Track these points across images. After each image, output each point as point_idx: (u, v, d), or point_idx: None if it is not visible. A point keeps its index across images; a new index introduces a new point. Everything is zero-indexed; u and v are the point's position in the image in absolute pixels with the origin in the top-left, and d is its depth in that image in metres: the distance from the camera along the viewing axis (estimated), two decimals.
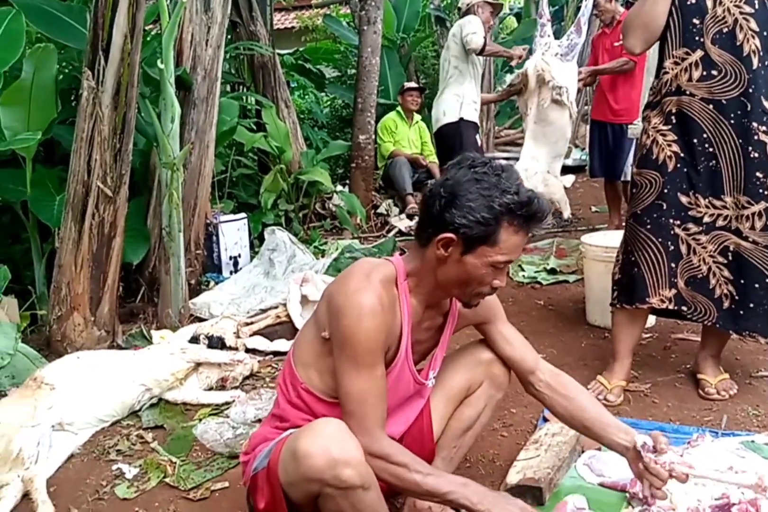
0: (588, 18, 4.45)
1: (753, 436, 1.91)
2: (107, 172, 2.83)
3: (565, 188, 5.65)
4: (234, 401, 2.37)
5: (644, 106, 2.29)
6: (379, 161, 5.64)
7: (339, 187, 5.30)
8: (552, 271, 3.84)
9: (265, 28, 5.08)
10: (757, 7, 2.02)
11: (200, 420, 2.31)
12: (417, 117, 5.71)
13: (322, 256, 4.05)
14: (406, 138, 5.62)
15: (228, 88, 5.50)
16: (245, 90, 5.33)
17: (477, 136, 4.63)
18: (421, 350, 1.63)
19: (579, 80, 4.32)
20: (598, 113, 4.50)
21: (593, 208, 5.36)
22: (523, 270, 3.92)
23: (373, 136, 5.42)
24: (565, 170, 6.35)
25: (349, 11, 8.26)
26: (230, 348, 2.72)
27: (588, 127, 7.64)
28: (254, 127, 5.03)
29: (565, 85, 4.13)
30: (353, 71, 6.86)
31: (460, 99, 4.49)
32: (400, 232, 4.91)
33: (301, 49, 8.12)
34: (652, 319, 2.92)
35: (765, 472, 1.64)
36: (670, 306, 2.20)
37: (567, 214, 4.77)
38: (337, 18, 8.62)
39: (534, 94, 4.21)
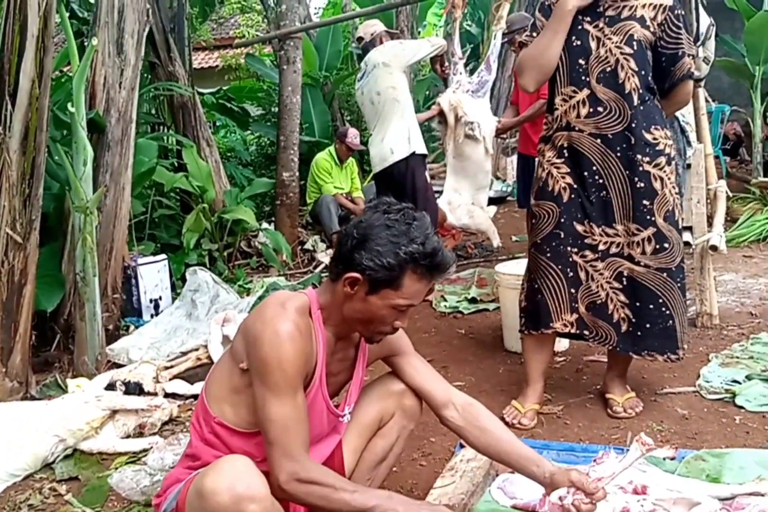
0: (498, 56, 4.66)
1: (654, 451, 1.99)
2: (16, 218, 2.78)
3: None
4: (152, 447, 2.32)
5: (539, 140, 2.42)
6: (310, 198, 5.69)
7: (265, 225, 5.32)
8: (473, 301, 3.93)
9: (184, 68, 5.11)
10: (635, 48, 2.18)
11: (116, 468, 2.25)
12: (350, 159, 5.77)
13: (247, 295, 4.04)
14: (338, 180, 5.66)
15: (148, 129, 5.48)
16: (165, 130, 5.32)
17: (427, 173, 4.38)
18: (335, 382, 1.66)
19: (501, 131, 4.49)
20: (522, 147, 4.70)
21: (513, 238, 5.54)
22: (445, 300, 4.00)
23: (297, 173, 5.48)
24: (488, 201, 6.56)
25: (271, 50, 8.39)
26: (148, 393, 2.67)
27: (508, 159, 7.96)
28: (175, 167, 5.01)
29: (477, 120, 4.29)
30: (277, 109, 6.95)
31: (406, 133, 4.04)
32: (327, 268, 4.94)
33: (225, 87, 8.17)
34: (566, 342, 3.03)
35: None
36: (573, 331, 2.31)
37: (496, 243, 4.91)
38: (259, 57, 8.73)
39: (452, 130, 4.37)
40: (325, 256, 5.15)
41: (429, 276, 1.49)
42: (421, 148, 4.07)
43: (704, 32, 3.32)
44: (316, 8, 10.30)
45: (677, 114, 3.19)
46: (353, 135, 5.50)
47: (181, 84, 4.97)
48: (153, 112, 5.51)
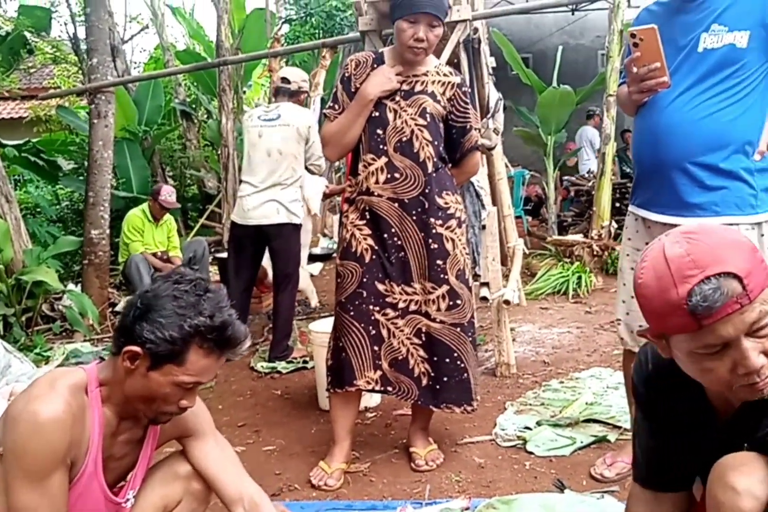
0: (318, 121, 4.84)
1: (450, 502, 2.08)
2: None
3: (313, 276, 5.91)
4: None
5: (343, 202, 2.53)
6: (122, 256, 5.41)
7: (71, 286, 4.97)
8: (291, 359, 3.92)
9: None
10: (428, 120, 2.35)
11: None
12: (167, 216, 5.56)
13: (46, 364, 3.72)
14: (153, 238, 5.43)
15: None
16: None
17: None
18: (120, 466, 1.54)
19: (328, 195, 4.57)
20: None
21: None
22: (264, 359, 3.95)
23: (108, 231, 5.22)
24: (314, 258, 6.67)
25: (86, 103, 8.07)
26: None
27: (335, 217, 8.16)
28: None
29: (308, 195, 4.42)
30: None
31: (301, 201, 3.96)
32: None
33: (34, 140, 7.69)
34: (377, 397, 3.10)
35: None
36: (377, 388, 2.38)
37: (314, 302, 4.96)
38: (73, 109, 8.36)
39: None
40: None
41: (218, 352, 1.42)
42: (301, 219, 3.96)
43: (493, 106, 3.67)
44: (136, 62, 10.08)
45: (472, 179, 3.46)
46: (167, 192, 5.33)
47: None
48: None
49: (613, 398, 3.01)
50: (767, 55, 1.90)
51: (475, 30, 3.53)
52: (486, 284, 3.54)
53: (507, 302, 3.39)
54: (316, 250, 6.99)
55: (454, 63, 3.56)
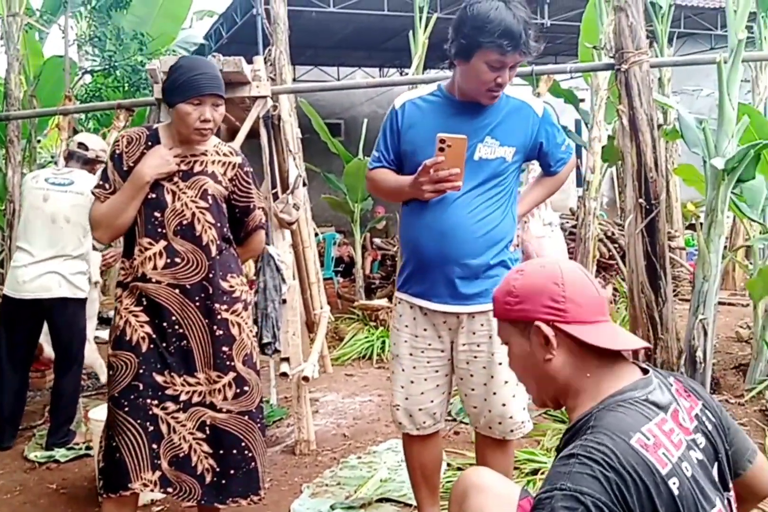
0: None
1: None
2: None
3: (106, 342, 5.50)
4: None
5: (116, 285, 2.37)
6: None
7: None
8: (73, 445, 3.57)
9: None
10: (210, 202, 2.29)
11: None
12: None
13: None
14: None
15: None
16: None
17: None
18: None
19: None
20: None
21: None
22: (40, 446, 3.55)
23: None
24: (107, 321, 6.23)
25: None
26: None
27: None
28: None
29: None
30: None
31: (88, 274, 3.67)
32: None
33: None
34: None
35: None
36: (156, 490, 2.21)
37: (104, 378, 4.59)
38: None
39: None
40: None
41: None
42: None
43: (293, 182, 3.71)
44: None
45: (272, 253, 3.44)
46: None
47: None
48: None
49: (406, 473, 3.05)
50: (520, 166, 2.23)
51: (275, 107, 3.58)
52: (286, 359, 3.49)
53: (306, 378, 3.36)
54: (112, 313, 6.55)
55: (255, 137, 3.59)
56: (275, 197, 3.64)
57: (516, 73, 2.15)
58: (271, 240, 3.55)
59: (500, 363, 2.19)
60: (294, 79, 12.59)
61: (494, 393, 2.23)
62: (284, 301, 3.58)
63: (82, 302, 3.61)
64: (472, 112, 2.17)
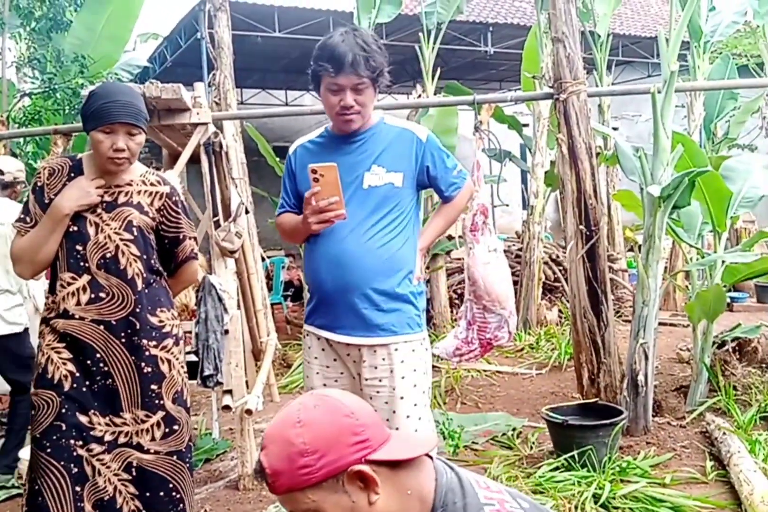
0: None
1: None
2: None
3: None
4: None
5: (41, 322, 2.26)
6: None
7: None
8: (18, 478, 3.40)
9: None
10: (135, 233, 2.21)
11: None
12: None
13: None
14: None
15: None
16: None
17: None
18: None
19: None
20: None
21: None
22: None
23: None
24: None
25: None
26: None
27: None
28: None
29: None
30: None
31: (22, 307, 3.49)
32: None
33: None
34: None
35: None
36: None
37: None
38: None
39: None
40: None
41: None
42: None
43: (235, 210, 3.65)
44: None
45: (215, 283, 3.36)
46: None
47: None
48: None
49: None
50: (415, 193, 2.23)
51: (216, 134, 3.52)
52: (229, 391, 3.39)
53: (249, 412, 3.26)
54: None
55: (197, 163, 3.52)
56: (217, 225, 3.56)
57: (368, 95, 2.11)
58: (213, 269, 3.47)
59: (402, 398, 2.13)
60: (241, 103, 12.60)
61: (396, 429, 2.17)
62: (227, 332, 3.49)
63: (22, 334, 3.47)
64: (355, 145, 2.18)
